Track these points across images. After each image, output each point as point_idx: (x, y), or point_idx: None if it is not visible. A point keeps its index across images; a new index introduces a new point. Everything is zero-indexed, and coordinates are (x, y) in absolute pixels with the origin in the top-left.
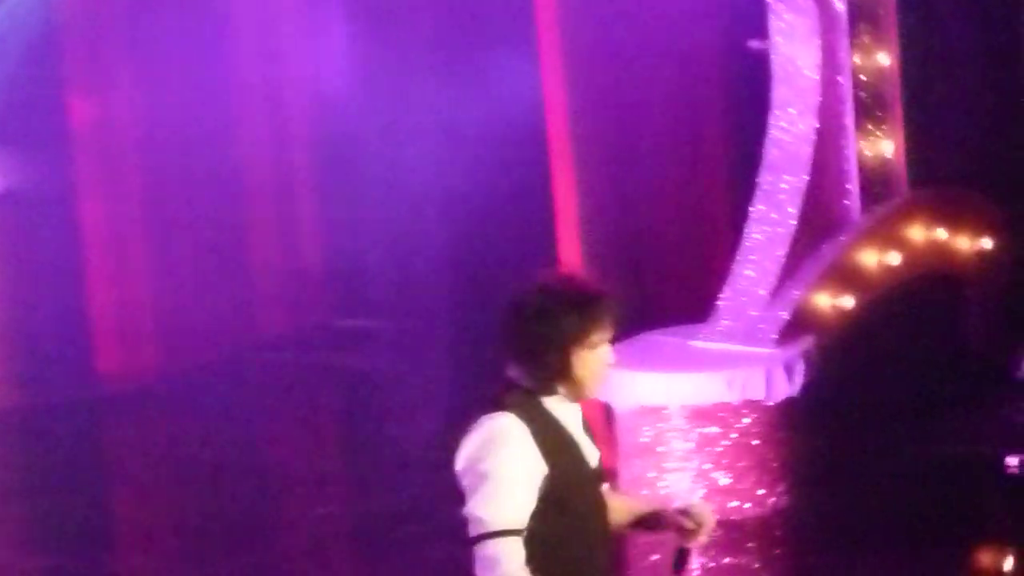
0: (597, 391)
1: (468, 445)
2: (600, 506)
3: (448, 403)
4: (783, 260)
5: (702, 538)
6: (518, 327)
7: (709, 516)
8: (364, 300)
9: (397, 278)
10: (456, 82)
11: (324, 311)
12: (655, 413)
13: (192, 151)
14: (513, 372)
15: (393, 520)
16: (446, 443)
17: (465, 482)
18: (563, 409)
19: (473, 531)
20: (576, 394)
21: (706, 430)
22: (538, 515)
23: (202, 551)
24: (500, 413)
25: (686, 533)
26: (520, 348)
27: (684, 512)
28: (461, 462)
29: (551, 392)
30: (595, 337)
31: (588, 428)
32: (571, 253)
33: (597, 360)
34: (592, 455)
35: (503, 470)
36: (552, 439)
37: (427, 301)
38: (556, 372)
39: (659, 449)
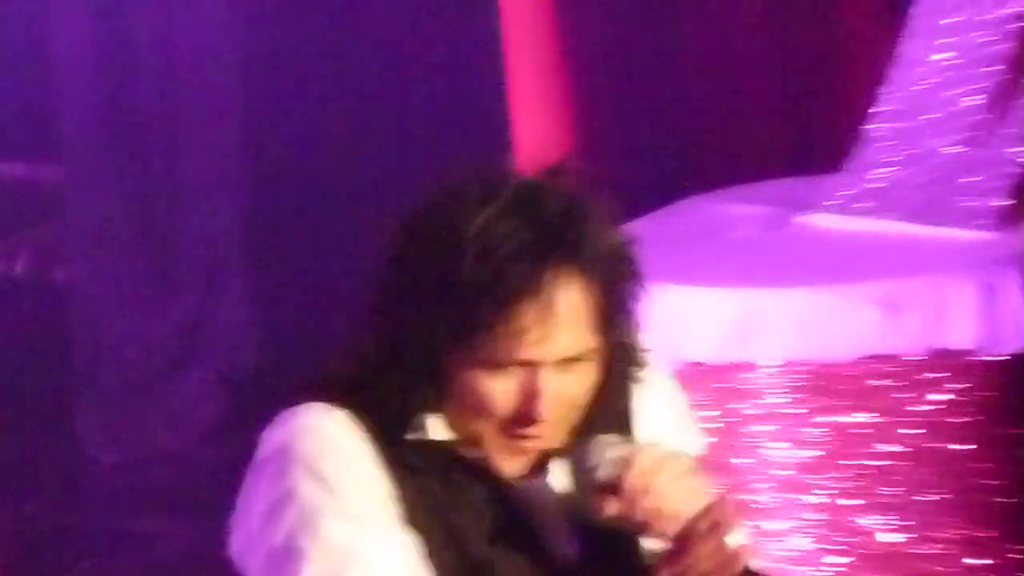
0: (504, 461)
1: (251, 473)
2: None
3: (229, 349)
4: (1015, 31)
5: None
6: (387, 261)
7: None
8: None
9: (118, 104)
10: None
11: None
12: (722, 378)
13: None
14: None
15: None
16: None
17: (254, 556)
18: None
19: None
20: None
21: (841, 420)
22: None
23: None
24: (316, 404)
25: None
26: (375, 302)
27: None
28: (241, 509)
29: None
30: (504, 343)
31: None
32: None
33: (499, 390)
34: (544, 546)
35: (325, 472)
36: (427, 491)
37: (194, 150)
38: (413, 373)
39: (734, 461)
